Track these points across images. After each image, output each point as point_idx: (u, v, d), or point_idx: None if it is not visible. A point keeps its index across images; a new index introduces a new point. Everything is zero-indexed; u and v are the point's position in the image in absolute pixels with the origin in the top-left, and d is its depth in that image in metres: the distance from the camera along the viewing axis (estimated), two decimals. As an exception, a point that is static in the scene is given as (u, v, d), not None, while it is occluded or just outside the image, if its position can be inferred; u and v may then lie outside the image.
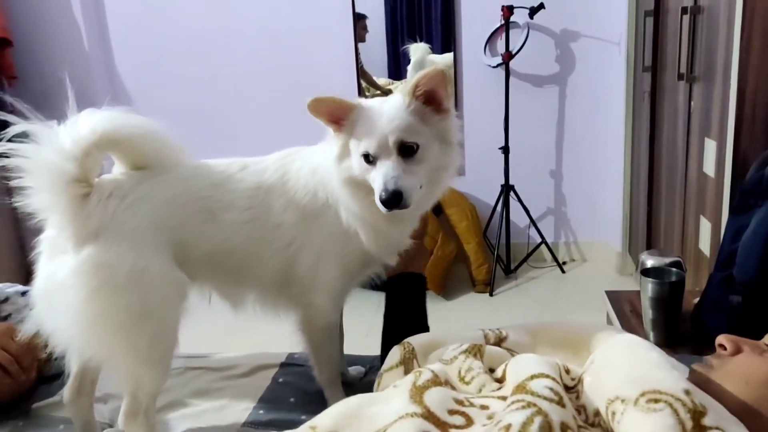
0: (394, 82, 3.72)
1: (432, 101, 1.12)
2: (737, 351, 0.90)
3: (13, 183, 1.07)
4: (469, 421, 0.82)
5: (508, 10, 3.27)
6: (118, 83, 3.74)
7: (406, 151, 1.10)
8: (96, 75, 3.61)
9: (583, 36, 3.48)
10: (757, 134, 1.75)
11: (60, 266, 1.09)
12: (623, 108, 3.34)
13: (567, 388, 0.87)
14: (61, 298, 1.09)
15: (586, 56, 3.50)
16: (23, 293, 1.61)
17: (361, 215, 1.18)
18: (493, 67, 3.51)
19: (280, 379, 1.45)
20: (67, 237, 1.09)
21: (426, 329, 1.29)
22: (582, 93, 3.56)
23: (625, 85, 3.30)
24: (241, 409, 1.34)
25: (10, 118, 1.06)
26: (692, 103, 2.27)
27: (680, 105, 2.43)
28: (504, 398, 0.84)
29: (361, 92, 3.63)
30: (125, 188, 1.14)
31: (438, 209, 3.52)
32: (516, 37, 3.39)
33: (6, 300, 1.58)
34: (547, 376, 0.82)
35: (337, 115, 1.15)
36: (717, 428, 0.71)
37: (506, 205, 3.54)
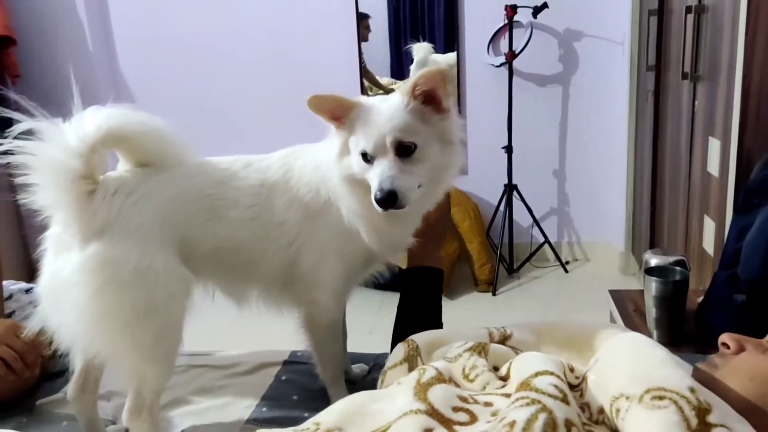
0: (397, 81, 3.72)
1: (431, 101, 1.12)
2: (740, 349, 0.90)
3: (18, 180, 1.07)
4: (473, 418, 0.82)
5: (512, 10, 3.27)
6: (121, 82, 3.74)
7: (404, 150, 1.10)
8: (99, 74, 3.62)
9: (586, 35, 3.48)
10: (762, 133, 1.74)
11: (65, 263, 1.10)
12: (627, 107, 3.33)
13: (571, 387, 0.87)
14: (67, 296, 1.09)
15: (590, 56, 3.50)
16: (27, 290, 1.61)
17: (361, 213, 1.18)
18: (497, 66, 3.50)
19: (283, 377, 1.45)
20: (73, 234, 1.09)
21: (439, 325, 1.29)
22: (585, 92, 3.55)
23: (629, 85, 3.29)
24: (244, 407, 1.34)
25: (15, 115, 1.06)
26: (696, 102, 2.26)
27: (684, 104, 2.43)
28: (508, 395, 0.84)
29: (363, 92, 3.63)
30: (130, 185, 1.14)
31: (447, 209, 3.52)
32: (519, 37, 3.38)
33: (10, 297, 1.58)
34: (552, 374, 0.82)
35: (338, 113, 1.15)
36: (722, 425, 0.71)
37: (509, 204, 3.53)
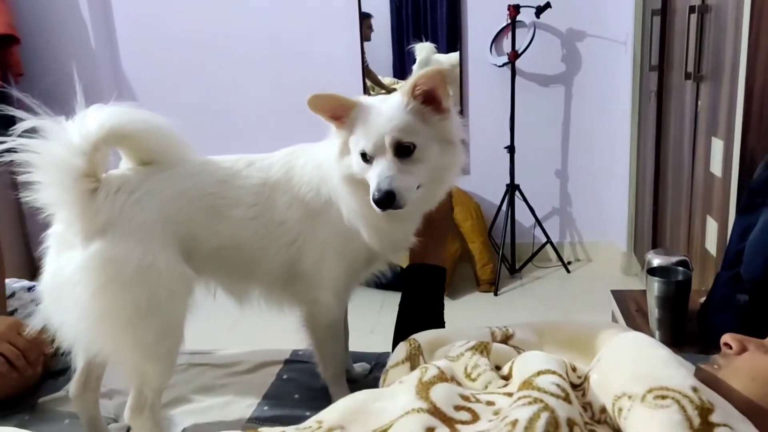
0: (400, 81, 3.72)
1: (431, 101, 1.12)
2: (743, 349, 0.90)
3: (21, 178, 1.07)
4: (475, 417, 0.82)
5: (515, 9, 3.26)
6: (124, 81, 3.75)
7: (403, 151, 1.10)
8: (102, 72, 3.63)
9: (589, 35, 3.47)
10: (765, 133, 1.74)
11: (68, 261, 1.10)
12: (629, 107, 3.33)
13: (573, 386, 0.87)
14: (69, 294, 1.09)
15: (593, 56, 3.50)
16: (29, 289, 1.62)
17: (361, 213, 1.18)
18: (499, 66, 3.50)
19: (285, 376, 1.45)
20: (75, 232, 1.09)
21: (442, 323, 1.29)
22: (588, 92, 3.55)
23: (632, 85, 3.29)
24: (246, 406, 1.34)
25: (18, 113, 1.07)
26: (699, 102, 2.26)
27: (687, 104, 2.43)
28: (510, 394, 0.84)
29: (366, 91, 3.63)
30: (133, 184, 1.14)
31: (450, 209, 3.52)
32: (522, 37, 3.38)
33: (12, 295, 1.59)
34: (554, 373, 0.82)
35: (338, 113, 1.15)
36: (724, 425, 0.71)
37: (511, 204, 3.53)
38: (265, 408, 1.33)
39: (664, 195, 2.88)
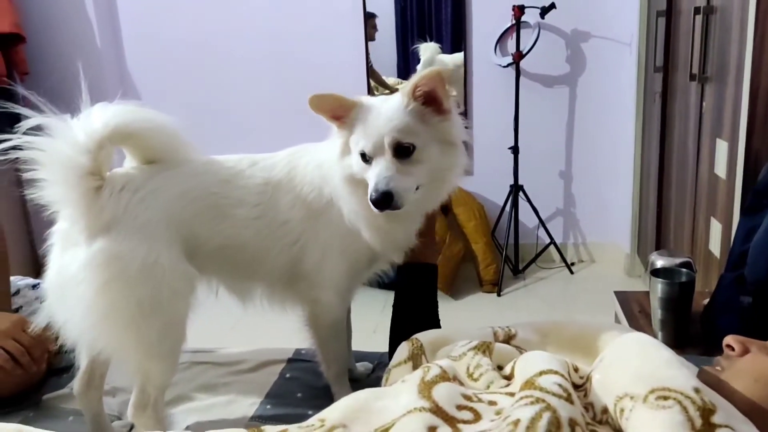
0: (404, 81, 3.69)
1: (432, 102, 1.11)
2: (745, 351, 0.90)
3: (25, 175, 1.08)
4: (477, 417, 0.82)
5: (519, 10, 3.26)
6: (128, 80, 3.76)
7: (402, 151, 1.10)
8: (107, 71, 3.64)
9: (594, 36, 3.47)
10: (770, 135, 1.74)
11: (72, 259, 1.10)
12: (634, 109, 3.33)
13: (575, 387, 0.86)
14: (73, 291, 1.09)
15: (597, 56, 3.49)
16: (34, 286, 1.62)
17: (361, 213, 1.18)
18: (504, 66, 3.50)
19: (288, 375, 1.45)
20: (80, 230, 1.10)
21: (436, 322, 1.29)
22: (592, 93, 3.54)
23: (636, 86, 3.28)
24: (249, 404, 1.34)
25: (24, 111, 1.07)
26: (704, 103, 2.26)
27: (692, 106, 2.42)
28: (512, 394, 0.84)
29: (370, 91, 3.64)
30: (137, 182, 1.15)
31: (446, 209, 3.51)
32: (527, 37, 3.38)
33: (17, 293, 1.59)
34: (556, 373, 0.82)
35: (338, 113, 1.15)
36: (726, 426, 0.71)
37: (515, 205, 3.53)
38: (268, 407, 1.33)
39: (668, 196, 2.88)
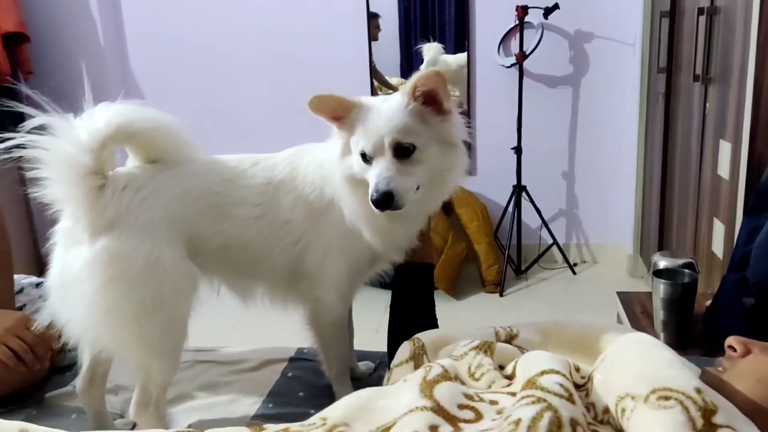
0: (406, 82, 3.71)
1: (432, 102, 1.12)
2: (747, 352, 0.90)
3: (29, 174, 1.08)
4: (479, 416, 0.82)
5: (523, 11, 3.26)
6: (132, 79, 3.77)
7: (403, 152, 1.10)
8: (110, 71, 3.65)
9: (597, 37, 3.46)
10: (773, 136, 1.73)
11: (75, 257, 1.11)
12: (637, 109, 3.32)
13: (577, 386, 0.87)
14: (76, 290, 1.10)
15: (601, 57, 3.49)
16: (37, 284, 1.63)
17: (362, 213, 1.19)
18: (507, 67, 3.50)
19: (290, 374, 1.46)
20: (83, 228, 1.10)
21: (434, 321, 1.29)
22: (596, 94, 3.54)
23: (640, 87, 3.28)
24: (250, 403, 1.35)
25: (27, 110, 1.08)
26: (707, 104, 2.25)
27: (695, 106, 2.42)
28: (514, 394, 0.84)
29: (373, 91, 3.63)
30: (139, 181, 1.15)
31: (448, 209, 3.53)
32: (530, 38, 3.38)
33: (21, 291, 1.60)
34: (558, 372, 0.82)
35: (339, 113, 1.15)
36: (727, 427, 0.71)
37: (518, 205, 3.53)
38: (270, 405, 1.33)
39: (671, 197, 2.87)
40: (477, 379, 0.95)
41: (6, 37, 3.27)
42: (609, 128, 3.57)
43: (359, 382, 1.40)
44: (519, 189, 3.51)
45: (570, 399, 0.78)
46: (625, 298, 1.99)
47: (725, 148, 2.01)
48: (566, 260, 3.67)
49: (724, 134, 2.05)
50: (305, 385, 1.41)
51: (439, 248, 3.25)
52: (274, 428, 0.89)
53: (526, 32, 3.34)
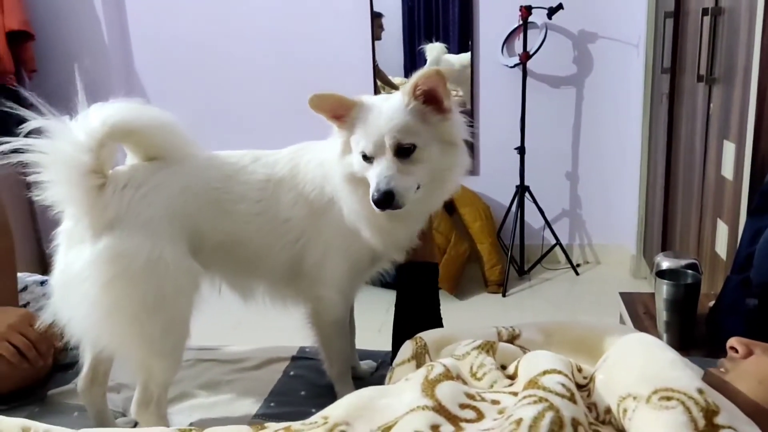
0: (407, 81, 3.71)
1: (432, 101, 1.11)
2: (749, 353, 0.90)
3: (30, 177, 1.08)
4: (480, 416, 0.82)
5: (527, 11, 3.26)
6: (135, 78, 3.77)
7: (403, 151, 1.10)
8: (114, 70, 3.65)
9: (601, 37, 3.46)
10: (777, 137, 1.73)
11: (77, 256, 1.11)
12: (641, 110, 3.31)
13: (579, 386, 0.86)
14: (78, 288, 1.10)
15: (605, 57, 3.48)
16: (42, 283, 1.63)
17: (362, 213, 1.19)
18: (511, 67, 3.50)
19: (292, 373, 1.46)
20: (84, 227, 1.11)
21: (438, 320, 1.29)
22: (599, 94, 3.53)
23: (644, 87, 3.27)
24: (252, 402, 1.35)
25: (25, 113, 1.08)
26: (711, 105, 2.25)
27: (699, 107, 2.41)
28: (515, 394, 0.84)
29: (377, 91, 3.64)
30: (140, 179, 1.15)
31: (451, 208, 3.53)
32: (534, 38, 3.37)
33: (25, 289, 1.60)
34: (560, 372, 0.82)
35: (339, 112, 1.15)
36: (729, 427, 0.71)
37: (521, 205, 3.52)
38: (272, 404, 1.34)
39: (675, 198, 2.87)
40: (479, 379, 0.95)
41: (10, 36, 3.28)
42: (612, 129, 3.56)
43: (361, 381, 1.40)
44: (522, 189, 3.50)
45: (572, 399, 0.78)
46: (628, 298, 1.99)
47: (729, 148, 2.01)
48: (569, 261, 3.67)
49: (728, 135, 2.04)
50: (307, 384, 1.41)
51: (442, 248, 3.24)
52: (275, 427, 0.89)
53: (529, 32, 3.33)
